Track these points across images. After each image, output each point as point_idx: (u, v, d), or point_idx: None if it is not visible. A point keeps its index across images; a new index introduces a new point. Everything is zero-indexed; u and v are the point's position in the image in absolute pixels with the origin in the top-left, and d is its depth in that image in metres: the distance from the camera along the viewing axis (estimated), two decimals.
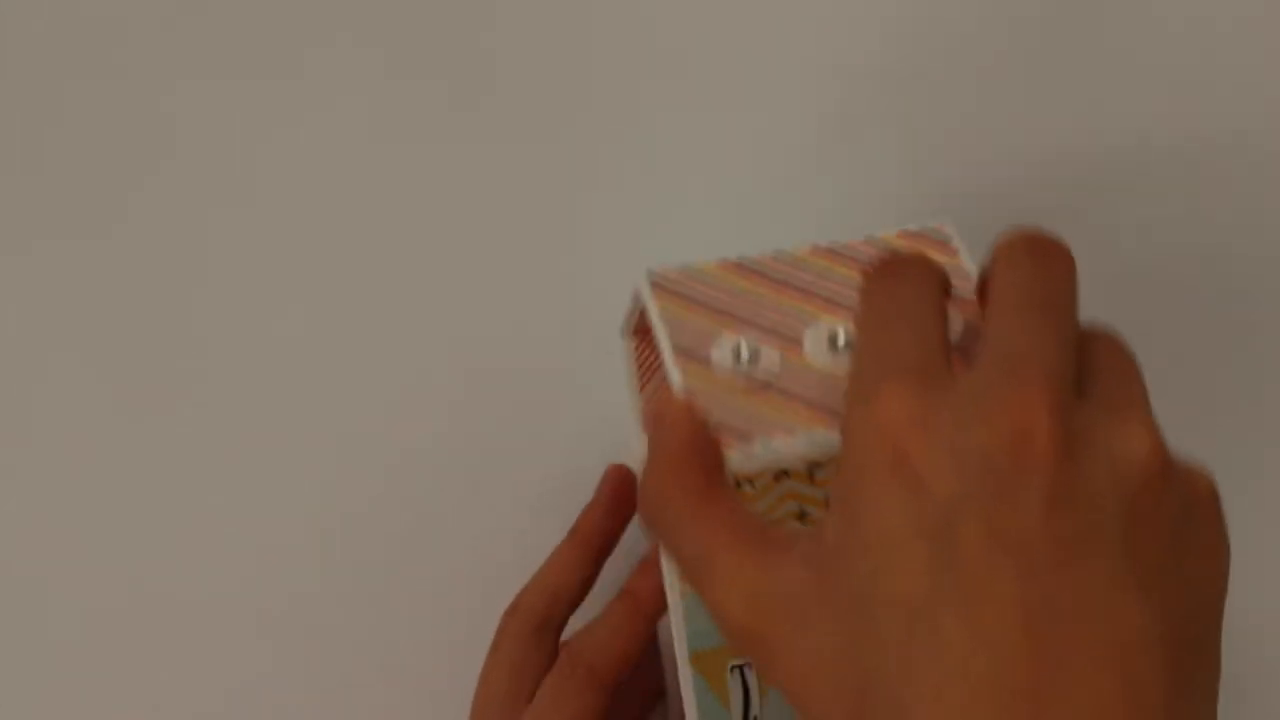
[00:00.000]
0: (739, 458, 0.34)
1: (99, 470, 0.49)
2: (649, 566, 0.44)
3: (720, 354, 0.37)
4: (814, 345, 0.37)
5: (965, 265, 0.40)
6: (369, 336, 0.50)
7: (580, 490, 0.49)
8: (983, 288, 0.32)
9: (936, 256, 0.40)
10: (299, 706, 0.52)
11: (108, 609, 0.51)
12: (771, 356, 0.37)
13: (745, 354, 0.37)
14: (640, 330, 0.46)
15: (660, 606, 0.44)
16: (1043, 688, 0.24)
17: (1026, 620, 0.25)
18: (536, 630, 0.45)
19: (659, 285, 0.38)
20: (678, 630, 0.39)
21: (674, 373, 0.36)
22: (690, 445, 0.32)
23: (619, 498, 0.47)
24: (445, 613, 0.52)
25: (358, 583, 0.52)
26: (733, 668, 0.40)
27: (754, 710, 0.41)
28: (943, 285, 0.32)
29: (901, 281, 0.32)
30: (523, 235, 0.51)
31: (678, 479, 0.32)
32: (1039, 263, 0.30)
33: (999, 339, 0.28)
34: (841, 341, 0.37)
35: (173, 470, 0.50)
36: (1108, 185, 0.51)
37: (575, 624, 0.47)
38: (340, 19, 0.48)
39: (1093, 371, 0.29)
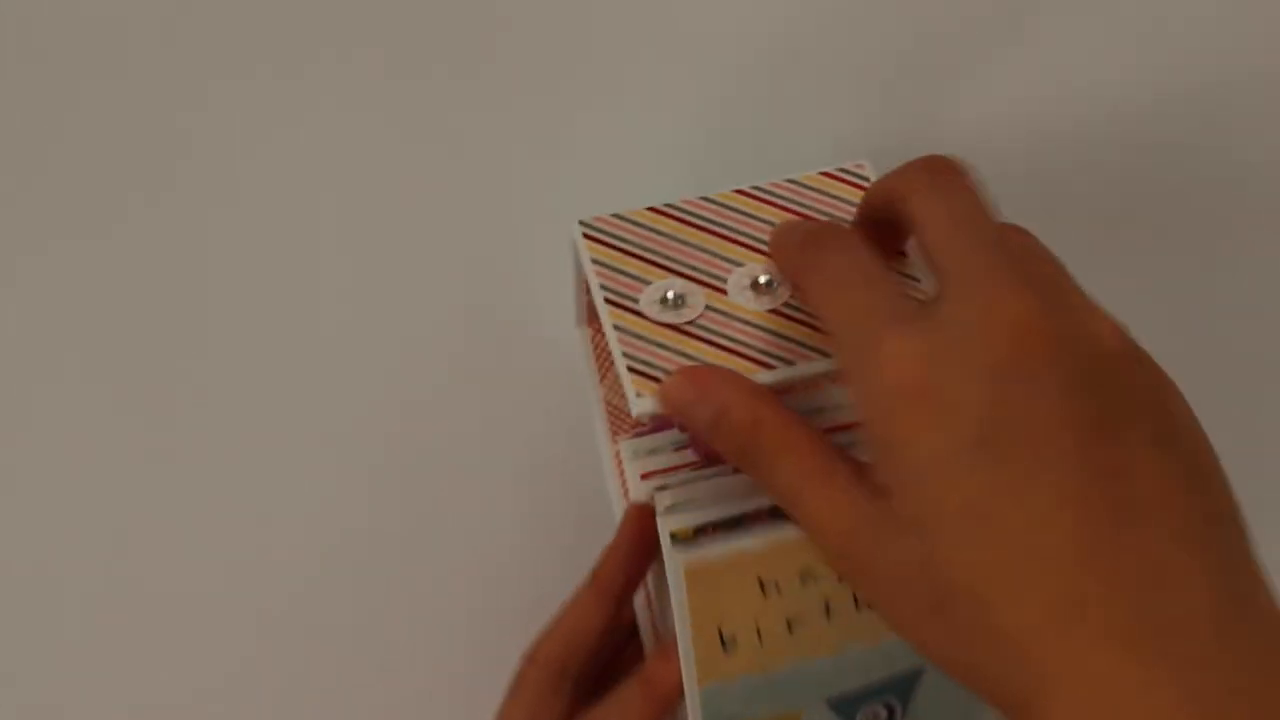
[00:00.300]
0: (649, 402, 0.35)
1: (99, 470, 0.49)
2: (668, 652, 0.42)
3: (648, 299, 0.39)
4: (737, 288, 0.39)
5: None
6: (367, 332, 0.50)
7: (580, 480, 0.49)
8: (895, 221, 0.35)
9: (856, 196, 0.42)
10: (299, 706, 0.51)
11: (108, 609, 0.50)
12: (697, 300, 0.38)
13: (672, 298, 0.38)
14: (593, 319, 0.46)
15: (676, 696, 0.43)
16: (1103, 545, 0.28)
17: (1079, 492, 0.28)
18: (556, 679, 0.44)
19: (590, 234, 0.40)
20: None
21: (606, 321, 0.37)
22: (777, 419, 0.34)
23: (640, 540, 0.44)
24: (446, 612, 0.52)
25: (358, 582, 0.51)
26: None
27: None
28: (865, 242, 0.35)
29: (832, 252, 0.35)
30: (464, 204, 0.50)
31: (768, 410, 0.34)
32: (949, 184, 0.34)
33: (953, 265, 0.32)
34: (763, 282, 0.38)
35: (173, 469, 0.49)
36: (1064, 135, 0.51)
37: None
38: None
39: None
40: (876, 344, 0.31)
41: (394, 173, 0.49)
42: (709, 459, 0.44)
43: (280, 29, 0.46)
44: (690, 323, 0.38)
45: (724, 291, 0.39)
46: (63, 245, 0.46)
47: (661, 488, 0.43)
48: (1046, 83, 0.51)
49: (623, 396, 0.46)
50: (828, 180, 0.43)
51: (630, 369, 0.37)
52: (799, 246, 0.36)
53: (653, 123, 0.49)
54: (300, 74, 0.47)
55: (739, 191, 0.42)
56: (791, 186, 0.43)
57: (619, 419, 0.46)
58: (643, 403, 0.36)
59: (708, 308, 0.39)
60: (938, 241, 0.33)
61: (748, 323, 0.38)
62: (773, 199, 0.42)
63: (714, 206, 0.42)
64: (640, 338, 0.38)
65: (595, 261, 0.40)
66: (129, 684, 0.51)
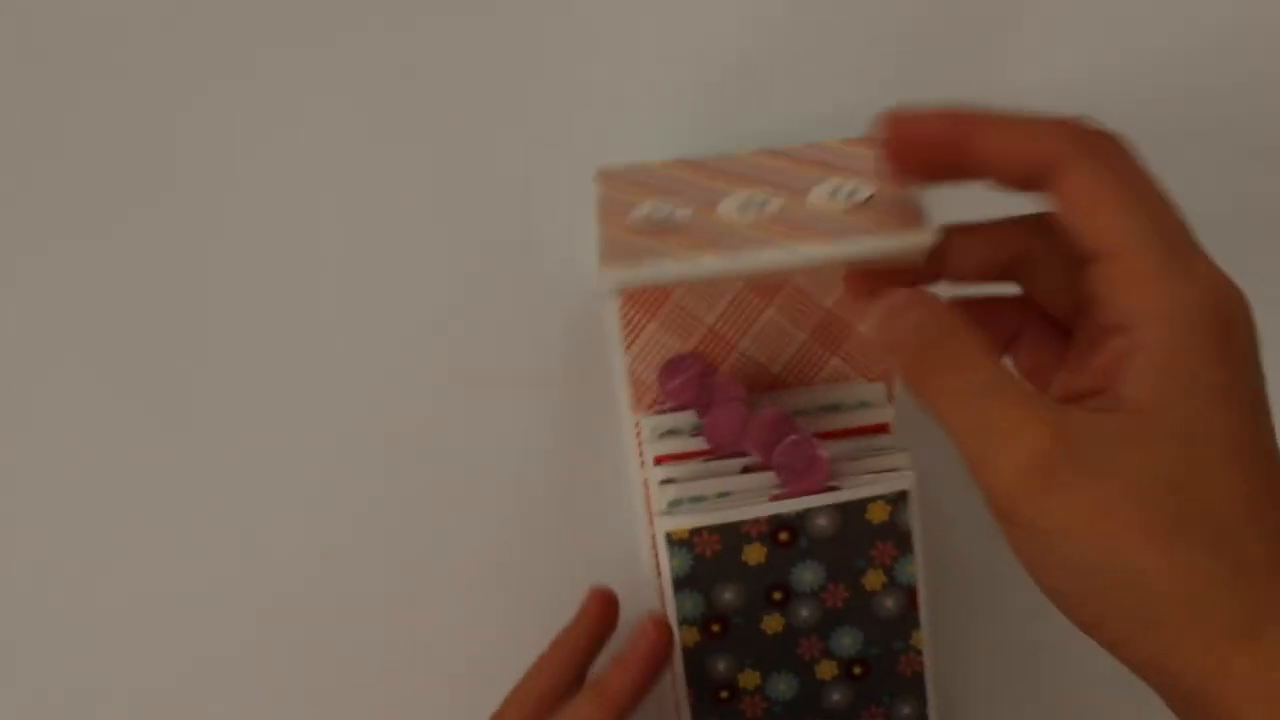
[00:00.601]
0: (624, 274, 0.36)
1: (99, 470, 0.48)
2: (624, 662, 0.45)
3: (639, 212, 0.39)
4: (728, 206, 0.38)
5: None
6: (377, 314, 0.48)
7: (601, 447, 0.49)
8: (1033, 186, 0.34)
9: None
10: (300, 705, 0.52)
11: (108, 608, 0.50)
12: (685, 214, 0.38)
13: (661, 213, 0.39)
14: (624, 290, 0.44)
15: (629, 704, 0.44)
16: None
17: None
18: None
19: (605, 176, 0.41)
20: None
21: (596, 228, 0.38)
22: (950, 323, 0.34)
23: (602, 619, 0.47)
24: (446, 612, 0.52)
25: (359, 582, 0.51)
26: None
27: None
28: (985, 343, 0.35)
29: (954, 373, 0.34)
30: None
31: (949, 355, 0.34)
32: (1122, 155, 0.34)
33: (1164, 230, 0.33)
34: (756, 204, 0.38)
35: (172, 469, 0.48)
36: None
37: None
38: None
39: None
40: (1194, 258, 0.33)
41: (401, 156, 0.46)
42: (721, 449, 0.44)
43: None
44: (672, 226, 0.38)
45: (713, 208, 0.39)
46: (63, 245, 0.45)
47: (668, 481, 0.43)
48: (1068, 53, 0.46)
49: (647, 368, 0.45)
50: (851, 147, 0.41)
51: (604, 250, 0.37)
52: (917, 355, 0.34)
53: (670, 81, 0.46)
54: (314, 41, 0.44)
55: (758, 150, 0.41)
56: (813, 149, 0.41)
57: (642, 390, 0.45)
58: (606, 276, 0.36)
59: (694, 218, 0.38)
60: (1114, 225, 0.33)
61: (728, 227, 0.38)
62: (794, 157, 0.41)
63: (733, 160, 0.41)
64: (618, 236, 0.38)
65: (604, 192, 0.39)
66: (130, 682, 0.51)
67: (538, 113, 0.45)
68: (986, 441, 0.32)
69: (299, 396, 0.48)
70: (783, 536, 0.44)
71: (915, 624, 0.47)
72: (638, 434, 0.46)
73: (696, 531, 0.43)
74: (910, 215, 0.36)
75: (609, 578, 0.49)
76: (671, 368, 0.45)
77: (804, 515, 0.44)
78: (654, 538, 0.46)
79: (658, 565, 0.46)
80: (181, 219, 0.45)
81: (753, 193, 0.39)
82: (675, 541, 0.44)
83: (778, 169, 0.40)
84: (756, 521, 0.44)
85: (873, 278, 0.37)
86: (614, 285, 0.36)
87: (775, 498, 0.43)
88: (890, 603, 0.46)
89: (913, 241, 0.35)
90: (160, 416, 0.47)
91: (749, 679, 0.47)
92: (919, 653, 0.47)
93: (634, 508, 0.49)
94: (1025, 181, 0.34)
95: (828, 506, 0.44)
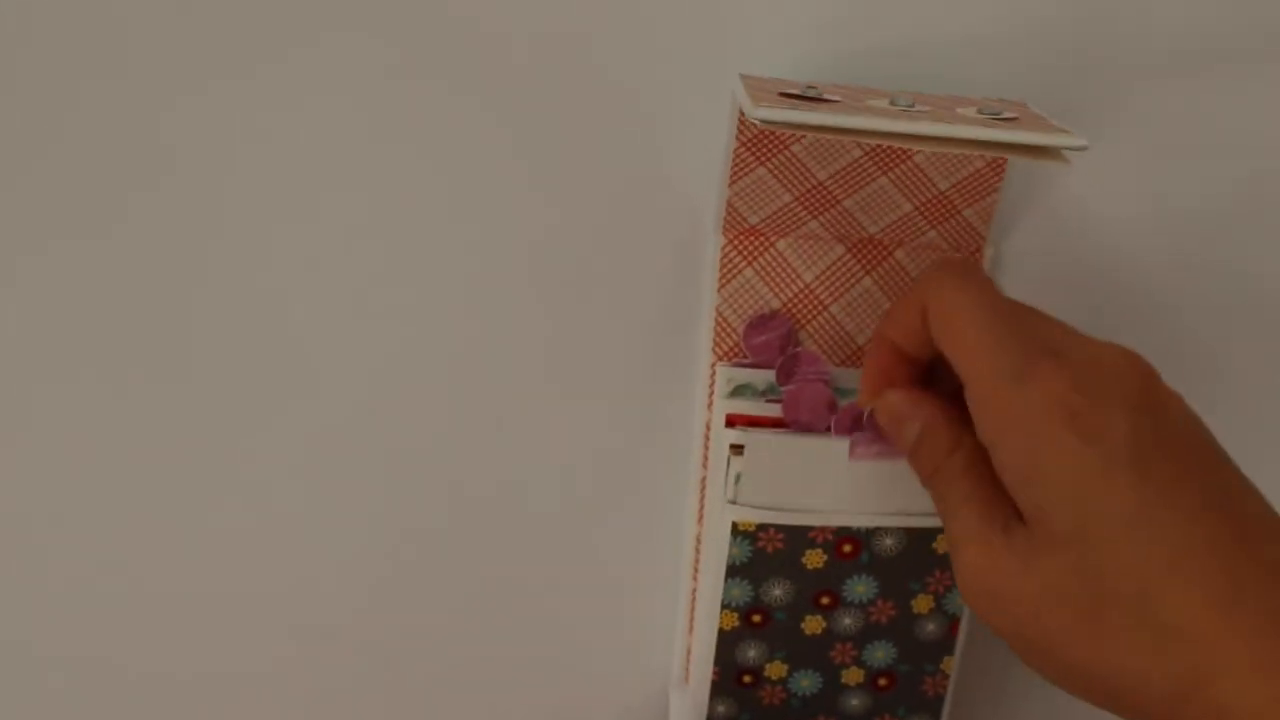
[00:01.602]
0: (776, 114, 0.35)
1: (100, 470, 0.47)
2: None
3: (789, 90, 0.38)
4: (877, 101, 0.38)
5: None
6: (372, 327, 0.47)
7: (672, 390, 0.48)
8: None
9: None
10: (301, 705, 0.51)
11: (109, 608, 0.49)
12: (835, 96, 0.38)
13: (812, 92, 0.38)
14: (729, 228, 0.44)
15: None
16: (1248, 537, 0.32)
17: (1218, 499, 0.33)
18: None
19: (748, 78, 0.40)
20: None
21: (745, 101, 0.36)
22: (953, 432, 0.37)
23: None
24: (449, 612, 0.51)
25: (361, 582, 0.50)
26: None
27: None
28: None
29: (968, 278, 0.37)
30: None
31: (969, 437, 0.37)
32: (960, 279, 0.38)
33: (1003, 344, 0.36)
34: (904, 102, 0.38)
35: (173, 468, 0.47)
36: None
37: None
38: None
39: None
40: (1031, 368, 0.34)
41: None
42: (798, 425, 0.43)
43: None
44: (818, 96, 0.37)
45: (864, 97, 0.38)
46: (62, 244, 0.44)
47: (738, 447, 0.43)
48: None
49: (735, 313, 0.44)
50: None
51: (754, 99, 0.36)
52: (934, 273, 0.38)
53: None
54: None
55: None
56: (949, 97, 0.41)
57: (724, 333, 0.45)
58: (760, 111, 0.35)
59: (845, 99, 0.37)
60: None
61: (874, 104, 0.37)
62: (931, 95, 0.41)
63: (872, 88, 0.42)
64: (772, 99, 0.37)
65: (748, 84, 0.38)
66: (129, 682, 0.50)
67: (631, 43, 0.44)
68: (951, 550, 0.36)
69: (303, 392, 0.47)
70: (846, 548, 0.44)
71: (950, 650, 0.47)
72: (711, 380, 0.45)
73: (764, 527, 0.43)
74: (1057, 128, 0.37)
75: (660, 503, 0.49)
76: (758, 324, 0.45)
77: (872, 532, 0.44)
78: (704, 485, 0.46)
79: (702, 540, 0.46)
80: (182, 217, 0.44)
81: (900, 94, 0.39)
82: (740, 532, 0.43)
83: (918, 95, 0.40)
84: (823, 529, 0.44)
85: (873, 381, 0.40)
86: (765, 120, 0.35)
87: (859, 442, 0.42)
88: (932, 627, 0.46)
89: (1066, 141, 0.35)
90: (161, 415, 0.46)
91: (776, 669, 0.46)
92: (946, 676, 0.47)
93: (692, 451, 0.47)
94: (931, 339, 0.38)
95: (897, 529, 0.44)
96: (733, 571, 0.44)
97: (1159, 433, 0.33)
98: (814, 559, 0.44)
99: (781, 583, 0.45)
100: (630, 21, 0.43)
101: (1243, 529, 0.32)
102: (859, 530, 0.44)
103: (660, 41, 0.43)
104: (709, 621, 0.45)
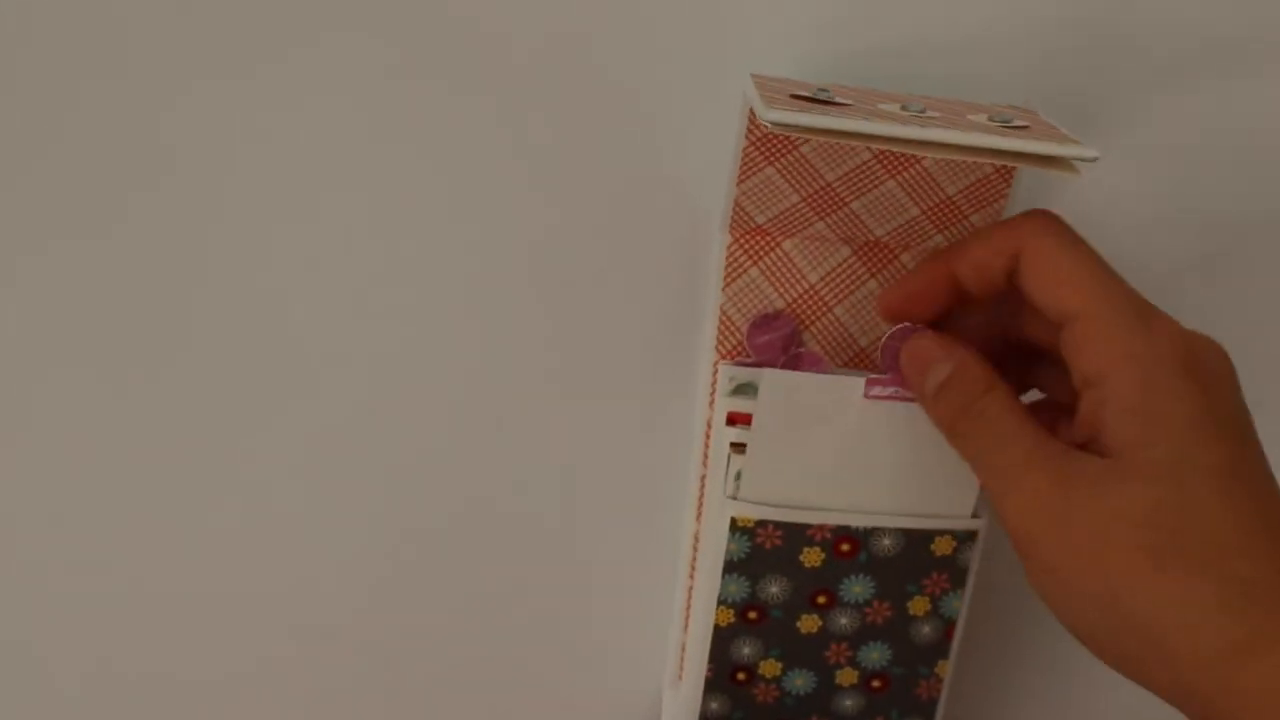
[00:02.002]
0: (788, 116, 0.35)
1: (99, 470, 0.47)
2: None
3: (800, 91, 0.38)
4: (888, 106, 0.38)
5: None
6: (374, 328, 0.47)
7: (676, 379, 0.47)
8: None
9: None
10: (301, 705, 0.51)
11: (108, 608, 0.49)
12: (846, 99, 0.38)
13: (824, 95, 0.38)
14: (735, 226, 0.44)
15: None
16: None
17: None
18: None
19: (759, 78, 0.40)
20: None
21: (757, 103, 0.36)
22: (988, 372, 0.38)
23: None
24: (447, 611, 0.51)
25: (360, 582, 0.50)
26: None
27: None
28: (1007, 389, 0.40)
29: (1073, 232, 0.38)
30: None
31: (975, 409, 0.38)
32: (1069, 232, 0.38)
33: (1120, 291, 0.37)
34: (916, 108, 0.38)
35: (173, 468, 0.47)
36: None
37: None
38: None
39: None
40: (1151, 315, 0.36)
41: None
42: None
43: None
44: (828, 99, 0.37)
45: (875, 101, 0.39)
46: (62, 244, 0.44)
47: (739, 445, 0.43)
48: None
49: (739, 311, 0.44)
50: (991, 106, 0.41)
51: (766, 100, 0.36)
52: (1034, 221, 0.38)
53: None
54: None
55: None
56: (957, 101, 0.41)
57: (728, 331, 0.45)
58: (772, 113, 0.35)
59: (856, 103, 0.38)
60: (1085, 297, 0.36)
61: (884, 107, 0.38)
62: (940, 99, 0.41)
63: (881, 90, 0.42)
64: (784, 101, 0.37)
65: (759, 83, 0.38)
66: (134, 682, 0.50)
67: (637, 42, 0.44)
68: (1000, 486, 0.36)
69: (304, 391, 0.47)
70: (844, 547, 0.44)
71: (945, 654, 0.47)
72: (714, 378, 0.45)
73: (762, 524, 0.43)
74: (1068, 138, 0.37)
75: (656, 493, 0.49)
76: (761, 324, 0.45)
77: (870, 532, 0.44)
78: (703, 483, 0.46)
79: (700, 538, 0.46)
80: (186, 208, 0.44)
81: (911, 98, 0.39)
82: (739, 528, 0.43)
83: (929, 100, 0.41)
84: (821, 527, 0.43)
85: (904, 298, 0.41)
86: (776, 123, 0.35)
87: (874, 382, 0.41)
88: (927, 630, 0.46)
89: (1077, 152, 0.35)
90: (173, 414, 0.46)
91: (770, 668, 0.46)
92: (940, 680, 0.47)
93: (692, 449, 0.47)
94: (1004, 280, 0.38)
95: (895, 530, 0.44)
96: (730, 567, 0.44)
97: (1244, 408, 0.35)
98: (812, 557, 0.44)
99: (779, 580, 0.44)
100: (631, 21, 0.43)
101: None
102: (857, 530, 0.44)
103: (661, 41, 0.43)
104: (705, 617, 0.45)
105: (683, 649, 0.49)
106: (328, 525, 0.49)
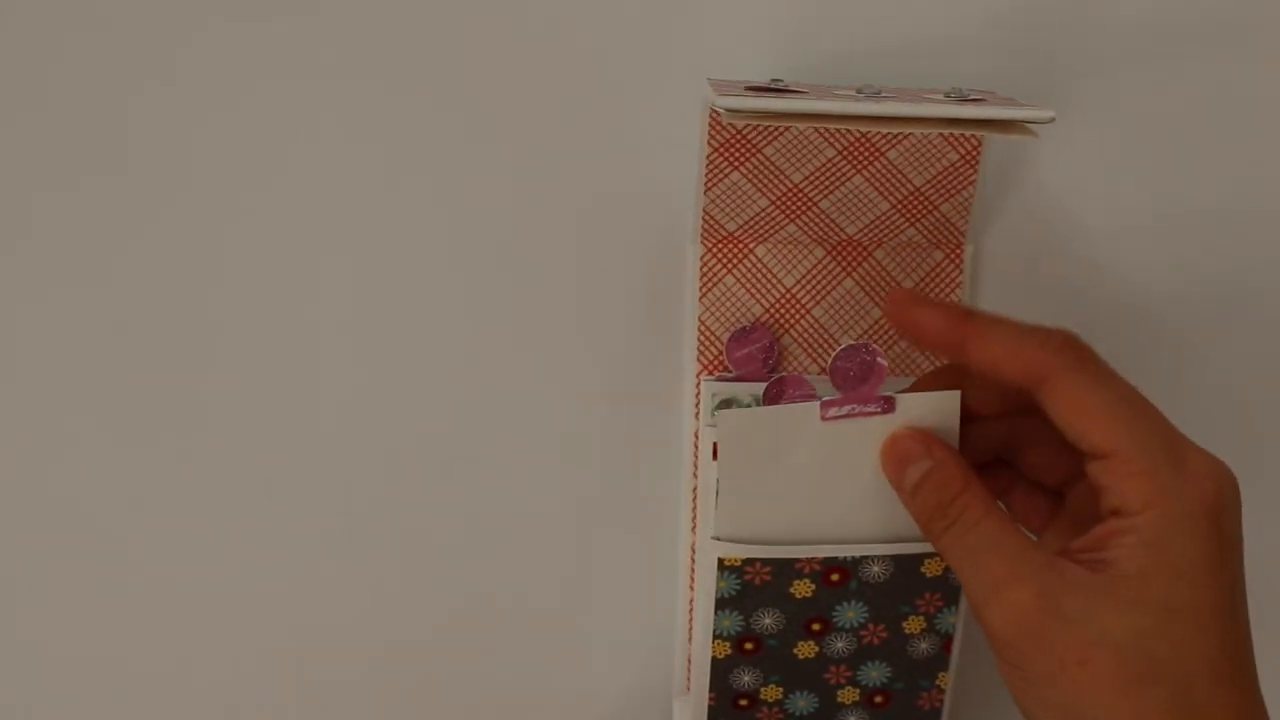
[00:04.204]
0: (741, 103, 0.35)
1: (98, 470, 0.47)
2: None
3: (755, 82, 0.39)
4: (844, 91, 0.38)
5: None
6: (375, 330, 0.47)
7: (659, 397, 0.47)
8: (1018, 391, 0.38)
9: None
10: (301, 705, 0.51)
11: (108, 608, 0.49)
12: (803, 87, 0.38)
13: (779, 84, 0.38)
14: (706, 236, 0.44)
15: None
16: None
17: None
18: None
19: (714, 80, 0.40)
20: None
21: (710, 95, 0.37)
22: (964, 473, 0.38)
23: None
24: (447, 613, 0.51)
25: (361, 588, 0.50)
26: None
27: None
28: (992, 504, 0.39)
29: (1099, 362, 0.38)
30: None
31: (977, 482, 0.38)
32: (1101, 366, 0.38)
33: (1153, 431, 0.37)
34: (872, 90, 0.38)
35: (172, 469, 0.47)
36: None
37: None
38: None
39: None
40: (1188, 456, 0.36)
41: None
42: None
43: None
44: (781, 89, 0.37)
45: (830, 90, 0.38)
46: (63, 247, 0.44)
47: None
48: None
49: (718, 321, 0.44)
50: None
51: (720, 92, 0.36)
52: (928, 516, 0.39)
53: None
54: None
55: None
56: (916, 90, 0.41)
57: (708, 341, 0.44)
58: (724, 102, 0.36)
59: (812, 89, 0.37)
60: (1106, 427, 0.36)
61: (834, 92, 0.37)
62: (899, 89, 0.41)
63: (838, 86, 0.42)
64: (738, 93, 0.37)
65: (715, 83, 0.38)
66: (133, 682, 0.50)
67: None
68: (981, 596, 0.36)
69: (307, 390, 0.47)
70: (834, 577, 0.43)
71: (945, 666, 0.46)
72: (697, 394, 0.45)
73: (750, 562, 0.42)
74: (1024, 104, 0.37)
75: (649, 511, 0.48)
76: (739, 338, 0.44)
77: (859, 561, 0.43)
78: (695, 493, 0.46)
79: (695, 572, 0.45)
80: (186, 207, 0.45)
81: (866, 86, 0.39)
82: (727, 567, 0.42)
83: (885, 87, 0.40)
84: (810, 561, 0.43)
85: (910, 305, 0.39)
86: (730, 109, 0.35)
87: (829, 404, 0.40)
88: (925, 645, 0.45)
89: (1033, 115, 0.35)
90: (173, 414, 0.46)
91: (771, 692, 0.45)
92: (943, 691, 0.47)
93: (684, 458, 0.47)
94: (1015, 386, 0.38)
95: (885, 556, 0.43)
96: (722, 604, 0.43)
97: (1241, 540, 0.37)
98: (802, 588, 0.43)
99: (771, 612, 0.44)
100: (606, 32, 0.43)
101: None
102: (846, 559, 0.43)
103: (636, 53, 0.44)
104: (703, 651, 0.44)
105: (689, 660, 0.48)
106: (327, 533, 0.48)
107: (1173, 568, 0.35)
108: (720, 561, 0.42)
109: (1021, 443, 0.41)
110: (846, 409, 0.40)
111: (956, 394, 0.39)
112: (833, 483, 0.41)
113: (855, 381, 0.41)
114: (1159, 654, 0.34)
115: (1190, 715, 0.34)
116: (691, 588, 0.47)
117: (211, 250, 0.45)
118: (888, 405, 0.40)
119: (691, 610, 0.48)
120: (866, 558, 0.43)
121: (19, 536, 0.47)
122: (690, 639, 0.48)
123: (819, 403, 0.40)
